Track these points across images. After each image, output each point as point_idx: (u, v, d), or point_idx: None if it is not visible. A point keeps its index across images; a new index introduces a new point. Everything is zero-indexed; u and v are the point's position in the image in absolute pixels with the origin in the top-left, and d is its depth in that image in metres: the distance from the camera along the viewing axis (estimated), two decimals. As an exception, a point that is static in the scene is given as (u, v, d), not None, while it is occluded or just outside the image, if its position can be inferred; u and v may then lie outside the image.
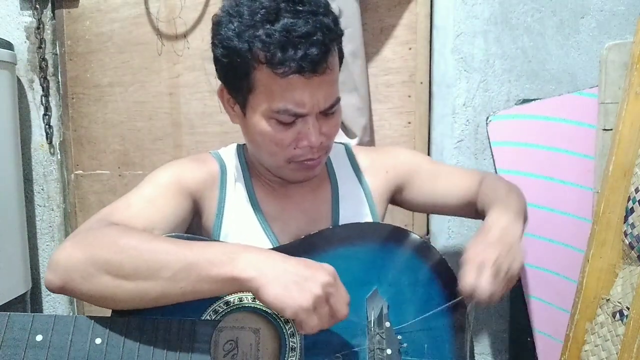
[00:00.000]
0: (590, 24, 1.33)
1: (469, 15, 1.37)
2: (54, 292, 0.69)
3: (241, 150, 0.97)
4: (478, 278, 0.74)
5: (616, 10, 1.32)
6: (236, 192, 0.92)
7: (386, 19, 1.43)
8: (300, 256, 0.81)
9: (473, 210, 0.98)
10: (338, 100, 0.82)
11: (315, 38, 0.73)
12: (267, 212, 0.91)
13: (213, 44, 0.82)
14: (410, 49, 1.44)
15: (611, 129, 1.18)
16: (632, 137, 1.10)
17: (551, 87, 1.36)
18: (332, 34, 0.76)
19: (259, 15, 0.74)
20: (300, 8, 0.74)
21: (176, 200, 0.83)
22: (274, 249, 0.82)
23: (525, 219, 0.92)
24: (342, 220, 0.94)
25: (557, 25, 1.34)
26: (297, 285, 0.64)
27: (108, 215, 0.77)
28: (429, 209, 1.06)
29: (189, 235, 0.79)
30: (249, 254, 0.66)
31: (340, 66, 0.83)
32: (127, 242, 0.68)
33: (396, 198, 1.04)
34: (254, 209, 0.91)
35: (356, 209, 0.96)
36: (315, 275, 0.65)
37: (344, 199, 0.96)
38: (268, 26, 0.73)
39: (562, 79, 1.36)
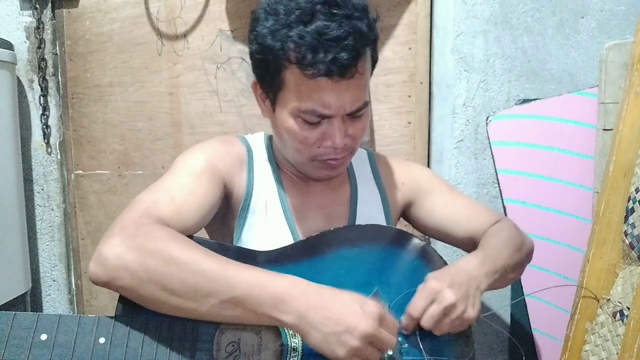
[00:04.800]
0: (590, 24, 1.33)
1: (469, 15, 1.37)
2: (98, 285, 0.69)
3: (269, 140, 0.99)
4: (428, 308, 0.77)
5: (616, 10, 1.32)
6: (264, 178, 0.93)
7: (386, 19, 1.43)
8: (302, 257, 0.81)
9: (473, 249, 0.95)
10: (366, 104, 0.82)
11: (346, 42, 0.74)
12: (290, 203, 0.93)
13: (249, 39, 0.83)
14: (410, 49, 1.44)
15: (611, 129, 1.18)
16: (632, 137, 1.10)
17: (551, 87, 1.37)
18: (365, 39, 0.77)
19: (294, 16, 0.75)
20: (336, 11, 0.75)
21: (211, 187, 0.83)
22: (278, 249, 0.82)
23: (509, 276, 0.91)
24: (359, 223, 0.95)
25: (557, 25, 1.35)
26: (335, 337, 0.67)
27: (152, 207, 0.75)
28: (435, 234, 1.03)
29: (238, 247, 0.82)
30: (295, 301, 0.68)
31: (372, 70, 0.84)
32: (179, 255, 0.68)
33: (407, 213, 1.05)
34: (279, 198, 0.92)
35: (373, 214, 0.97)
36: (357, 326, 0.67)
37: (362, 203, 0.97)
38: (302, 27, 0.74)
39: (562, 79, 1.36)
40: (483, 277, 0.82)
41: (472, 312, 0.78)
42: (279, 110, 0.83)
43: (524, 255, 0.94)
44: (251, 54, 0.83)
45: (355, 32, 0.75)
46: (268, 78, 0.81)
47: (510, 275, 0.91)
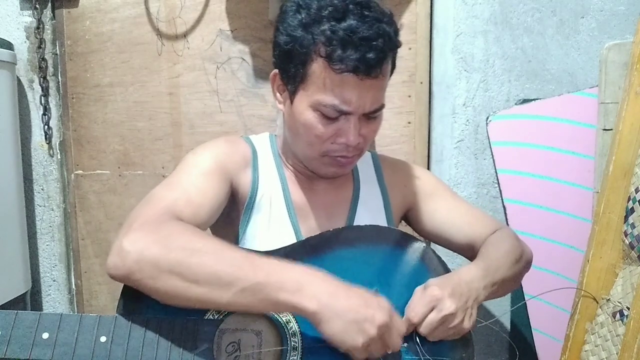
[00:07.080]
0: (590, 24, 1.34)
1: (469, 15, 1.37)
2: (115, 278, 0.69)
3: (273, 139, 1.00)
4: (426, 314, 0.77)
5: (616, 10, 1.32)
6: (268, 177, 0.94)
7: (386, 19, 1.43)
8: (302, 258, 0.82)
9: (472, 255, 0.96)
10: (382, 106, 0.85)
11: (375, 43, 0.77)
12: (294, 201, 0.94)
13: (276, 30, 0.85)
14: (410, 49, 1.44)
15: (611, 129, 1.18)
16: (632, 137, 1.10)
17: (551, 87, 1.37)
18: (391, 43, 0.81)
19: (327, 12, 0.78)
20: (367, 13, 0.78)
21: (220, 186, 0.85)
22: (277, 250, 0.82)
23: (507, 287, 0.92)
24: (356, 224, 0.95)
25: (557, 25, 1.35)
26: (356, 325, 0.68)
27: (172, 206, 0.77)
28: (435, 238, 1.03)
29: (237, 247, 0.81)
30: (316, 286, 0.69)
31: (390, 75, 0.86)
32: (202, 246, 0.69)
33: (408, 216, 1.05)
34: (284, 196, 0.93)
35: (373, 216, 0.97)
36: (375, 316, 0.69)
37: (363, 204, 0.98)
38: (334, 23, 0.77)
39: (562, 79, 1.36)
40: (482, 289, 0.84)
41: (468, 323, 0.80)
42: (297, 102, 0.84)
43: (522, 266, 0.95)
44: (277, 45, 0.85)
45: (384, 35, 0.78)
46: (292, 69, 0.83)
47: (508, 286, 0.93)
